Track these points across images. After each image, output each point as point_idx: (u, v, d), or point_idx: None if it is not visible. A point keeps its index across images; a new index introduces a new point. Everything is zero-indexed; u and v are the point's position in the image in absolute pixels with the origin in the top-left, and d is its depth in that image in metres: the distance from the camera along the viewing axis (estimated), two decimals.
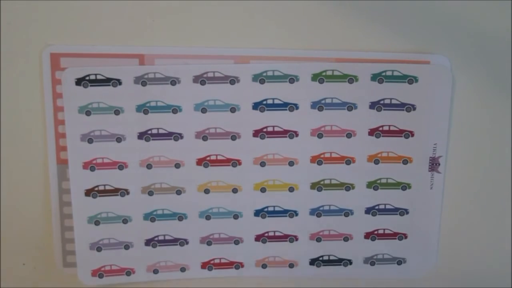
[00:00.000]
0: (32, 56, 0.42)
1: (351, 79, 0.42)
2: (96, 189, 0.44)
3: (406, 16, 0.42)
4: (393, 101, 0.43)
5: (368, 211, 0.45)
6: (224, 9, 0.42)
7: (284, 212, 0.45)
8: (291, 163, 0.44)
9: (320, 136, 0.44)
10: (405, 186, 0.45)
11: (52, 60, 0.42)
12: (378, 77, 0.42)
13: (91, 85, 0.42)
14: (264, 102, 0.43)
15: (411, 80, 0.42)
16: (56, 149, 0.44)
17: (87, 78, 0.42)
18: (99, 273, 0.45)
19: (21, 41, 0.42)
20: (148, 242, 0.45)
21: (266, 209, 0.45)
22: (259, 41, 0.42)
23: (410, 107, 0.43)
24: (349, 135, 0.44)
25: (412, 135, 0.44)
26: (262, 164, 0.44)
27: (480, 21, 0.42)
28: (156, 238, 0.45)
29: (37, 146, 0.44)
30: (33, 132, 0.43)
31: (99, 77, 0.42)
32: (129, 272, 0.45)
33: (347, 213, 0.45)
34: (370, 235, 0.46)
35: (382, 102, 0.43)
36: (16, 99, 0.43)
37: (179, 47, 0.42)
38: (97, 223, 0.44)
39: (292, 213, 0.45)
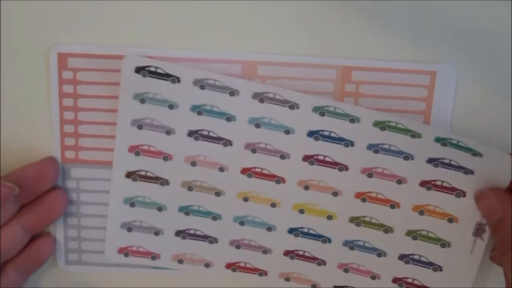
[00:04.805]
0: (39, 56, 0.42)
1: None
2: (138, 173, 0.44)
3: (412, 24, 0.41)
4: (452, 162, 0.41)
5: (402, 257, 0.44)
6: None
7: (318, 237, 0.44)
8: (334, 194, 0.43)
9: (370, 175, 0.42)
10: (444, 244, 0.43)
11: (60, 59, 0.41)
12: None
13: (149, 76, 0.41)
14: (320, 133, 0.42)
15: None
16: (61, 149, 0.44)
17: (147, 68, 0.41)
18: (125, 252, 0.46)
19: (28, 40, 0.41)
20: (178, 233, 0.45)
21: (300, 229, 0.44)
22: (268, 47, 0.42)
23: (468, 171, 0.41)
24: (399, 182, 0.42)
25: (464, 196, 0.42)
26: (306, 187, 0.43)
27: (480, 22, 0.41)
28: (187, 231, 0.45)
29: (42, 145, 0.44)
30: (39, 131, 0.43)
31: (159, 70, 0.41)
32: (154, 257, 0.46)
33: (380, 253, 0.44)
34: (398, 281, 0.45)
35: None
36: (22, 98, 0.43)
37: (196, 51, 0.42)
38: (132, 205, 0.45)
39: (326, 239, 0.44)
